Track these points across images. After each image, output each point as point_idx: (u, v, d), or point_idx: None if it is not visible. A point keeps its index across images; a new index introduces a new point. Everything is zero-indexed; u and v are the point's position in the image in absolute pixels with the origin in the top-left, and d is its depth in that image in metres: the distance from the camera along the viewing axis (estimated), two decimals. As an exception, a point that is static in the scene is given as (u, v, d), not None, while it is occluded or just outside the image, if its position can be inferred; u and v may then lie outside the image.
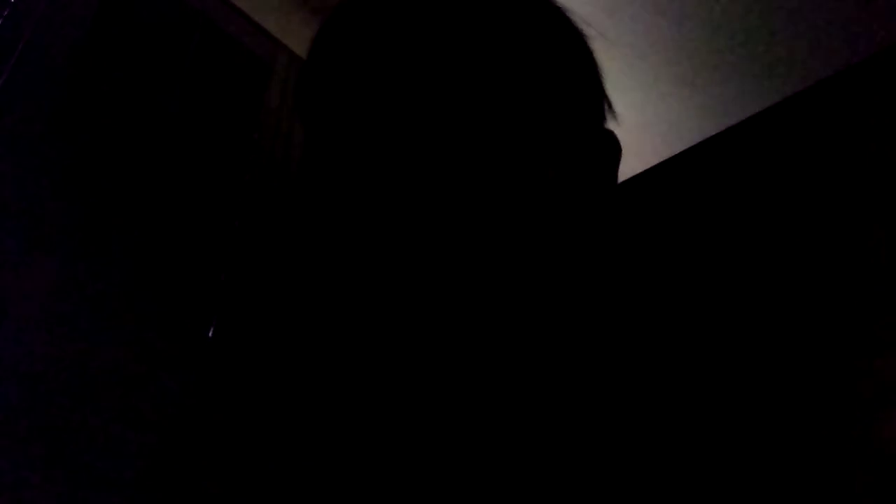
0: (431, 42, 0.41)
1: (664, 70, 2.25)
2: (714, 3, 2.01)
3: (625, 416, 0.40)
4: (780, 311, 0.98)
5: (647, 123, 2.42)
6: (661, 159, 1.36)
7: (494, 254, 0.40)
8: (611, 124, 0.48)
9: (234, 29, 1.94)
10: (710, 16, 2.05)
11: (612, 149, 0.46)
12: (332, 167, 0.42)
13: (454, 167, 0.39)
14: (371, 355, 0.40)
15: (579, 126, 0.44)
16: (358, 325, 0.41)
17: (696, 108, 2.35)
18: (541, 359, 0.42)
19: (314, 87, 0.45)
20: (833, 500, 0.75)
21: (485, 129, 0.40)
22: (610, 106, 0.48)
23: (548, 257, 0.43)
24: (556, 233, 0.43)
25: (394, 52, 0.41)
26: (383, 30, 0.43)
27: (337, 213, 0.41)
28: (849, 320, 0.92)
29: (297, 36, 2.11)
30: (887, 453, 0.80)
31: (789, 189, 1.07)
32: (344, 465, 0.40)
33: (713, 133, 1.29)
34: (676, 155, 1.34)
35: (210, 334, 1.49)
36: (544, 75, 0.43)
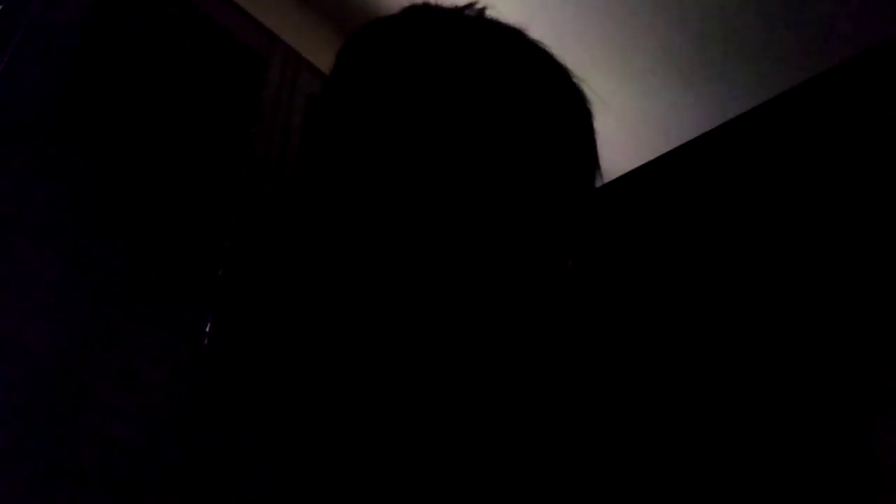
0: (438, 80, 0.43)
1: (663, 64, 2.25)
2: (712, -3, 2.00)
3: (624, 417, 0.40)
4: (778, 309, 0.98)
5: (645, 118, 2.41)
6: (660, 153, 1.36)
7: (491, 254, 0.40)
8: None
9: (230, 23, 1.93)
10: (709, 10, 2.05)
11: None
12: (332, 168, 0.42)
13: (454, 172, 0.40)
14: (369, 355, 0.40)
15: (569, 187, 0.46)
16: (356, 324, 0.40)
17: (694, 103, 2.35)
18: (540, 359, 0.42)
19: (331, 103, 0.47)
20: (829, 500, 0.75)
21: (486, 138, 0.41)
22: (600, 170, 0.50)
23: (545, 255, 0.43)
24: (553, 232, 0.43)
25: (406, 82, 0.43)
26: (400, 61, 0.45)
27: (335, 210, 0.41)
28: (846, 319, 0.92)
29: (293, 30, 2.11)
30: (883, 453, 0.80)
31: (788, 184, 1.07)
32: (342, 466, 0.40)
33: (712, 127, 1.28)
34: (675, 149, 1.34)
35: (207, 330, 1.49)
36: (542, 133, 0.44)
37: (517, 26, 0.48)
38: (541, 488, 0.41)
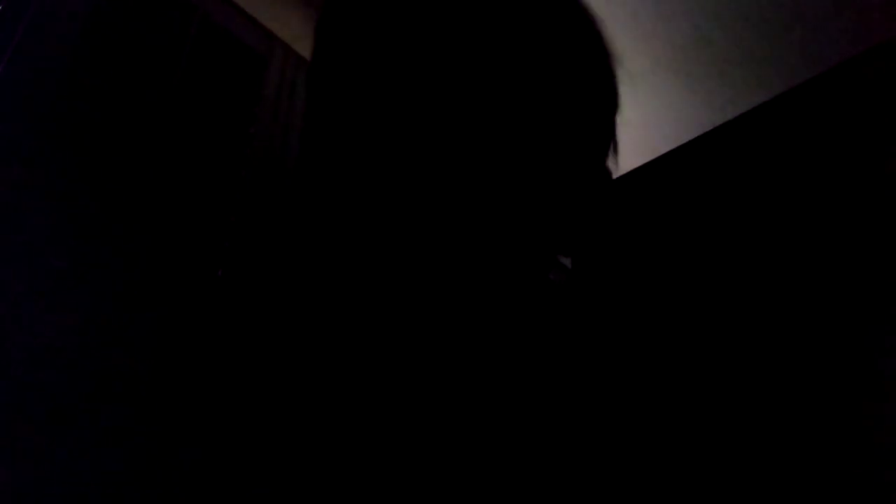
0: (440, 38, 0.39)
1: (663, 64, 2.25)
2: (712, -3, 2.00)
3: (623, 416, 0.40)
4: (778, 306, 0.97)
5: (645, 118, 2.41)
6: (660, 154, 1.36)
7: (490, 254, 0.39)
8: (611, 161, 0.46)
9: (230, 23, 1.93)
10: (709, 11, 2.04)
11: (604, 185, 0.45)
12: (333, 164, 0.42)
13: (455, 169, 0.38)
14: (368, 354, 0.40)
15: (581, 159, 0.42)
16: (355, 324, 0.40)
17: (694, 103, 2.34)
18: (540, 357, 0.42)
19: (321, 80, 0.44)
20: (829, 496, 0.75)
21: (488, 136, 0.38)
22: (616, 145, 0.46)
23: (543, 254, 0.42)
24: (552, 233, 0.43)
25: (400, 45, 0.39)
26: (391, 21, 0.40)
27: (335, 210, 0.41)
28: (847, 315, 0.92)
29: (293, 30, 2.10)
30: (882, 448, 0.80)
31: (789, 184, 1.07)
32: (339, 465, 0.40)
33: (712, 127, 1.28)
34: (675, 149, 1.33)
35: (207, 330, 1.48)
36: (560, 103, 0.40)
37: None
38: (537, 489, 0.40)
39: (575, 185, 0.43)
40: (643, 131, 2.40)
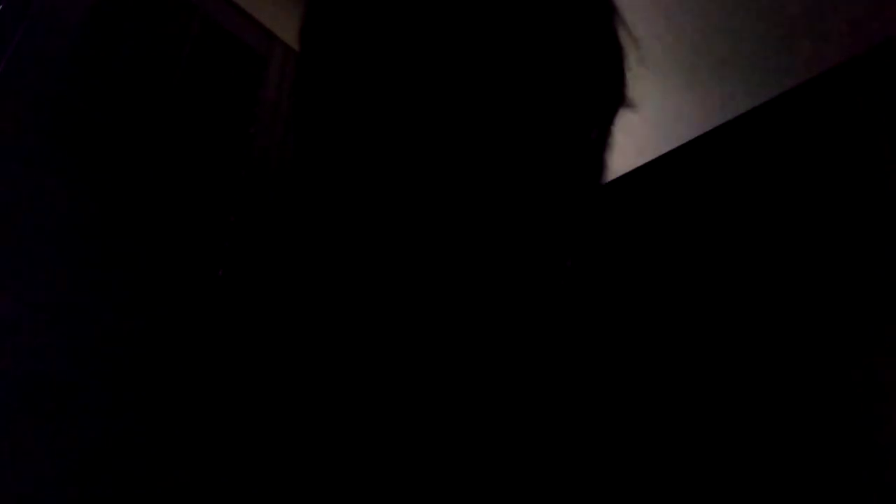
0: (438, 34, 0.37)
1: (663, 64, 2.25)
2: (712, -3, 2.00)
3: (623, 415, 0.40)
4: (777, 307, 0.97)
5: (645, 118, 2.41)
6: (660, 154, 1.36)
7: (491, 253, 0.39)
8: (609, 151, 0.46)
9: (230, 23, 1.93)
10: (710, 10, 2.04)
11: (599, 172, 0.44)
12: (327, 164, 0.41)
13: (453, 165, 0.38)
14: (368, 354, 0.40)
15: (580, 148, 0.41)
16: (354, 323, 0.40)
17: (694, 103, 2.34)
18: (541, 356, 0.42)
19: (310, 82, 0.44)
20: (830, 496, 0.75)
21: (486, 131, 0.38)
22: (611, 136, 0.45)
23: (545, 254, 0.42)
24: (553, 231, 0.42)
25: (393, 41, 0.39)
26: (383, 17, 0.39)
27: (331, 210, 0.41)
28: (846, 316, 0.91)
29: (293, 30, 2.10)
30: (883, 448, 0.80)
31: (789, 184, 1.07)
32: (340, 465, 0.40)
33: (712, 127, 1.28)
34: (675, 149, 1.33)
35: (207, 330, 1.48)
36: (564, 92, 0.39)
37: None
38: (537, 489, 0.40)
39: (576, 180, 0.42)
40: (643, 131, 2.40)
